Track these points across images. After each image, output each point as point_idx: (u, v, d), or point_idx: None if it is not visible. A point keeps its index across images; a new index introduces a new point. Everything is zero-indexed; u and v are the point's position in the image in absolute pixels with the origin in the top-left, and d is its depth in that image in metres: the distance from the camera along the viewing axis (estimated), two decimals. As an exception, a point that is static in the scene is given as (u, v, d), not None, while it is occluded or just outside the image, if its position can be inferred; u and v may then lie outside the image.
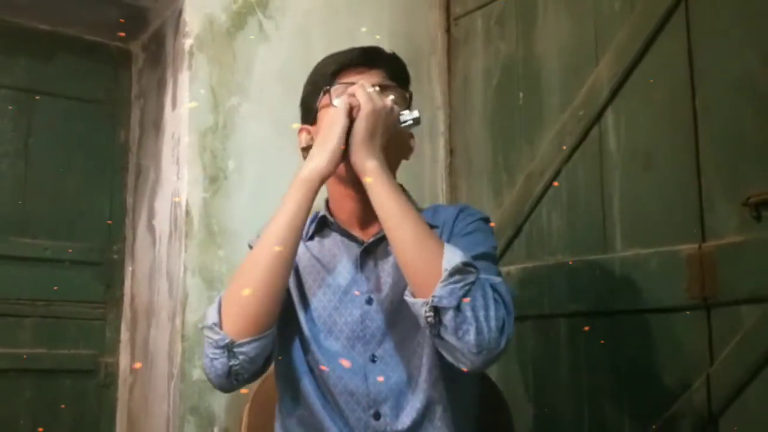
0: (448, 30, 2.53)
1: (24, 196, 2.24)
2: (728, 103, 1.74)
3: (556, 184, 2.07)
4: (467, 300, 1.17)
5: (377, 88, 1.34)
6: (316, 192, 1.30)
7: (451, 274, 1.17)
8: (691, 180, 1.79)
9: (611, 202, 1.96)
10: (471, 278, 1.18)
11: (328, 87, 1.38)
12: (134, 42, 2.46)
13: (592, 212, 2.00)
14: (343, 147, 1.29)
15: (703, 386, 1.70)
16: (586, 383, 1.96)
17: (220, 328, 1.24)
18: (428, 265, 1.20)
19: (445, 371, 1.28)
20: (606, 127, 2.00)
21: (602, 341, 1.92)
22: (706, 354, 1.71)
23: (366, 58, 1.41)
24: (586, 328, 1.91)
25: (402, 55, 1.49)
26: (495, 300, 1.20)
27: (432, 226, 1.37)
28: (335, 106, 1.34)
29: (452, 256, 1.19)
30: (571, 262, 2.01)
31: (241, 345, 1.23)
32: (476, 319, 1.16)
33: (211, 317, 1.26)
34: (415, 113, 1.38)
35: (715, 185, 1.75)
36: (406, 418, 1.31)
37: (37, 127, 2.28)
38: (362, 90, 1.31)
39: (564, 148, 2.07)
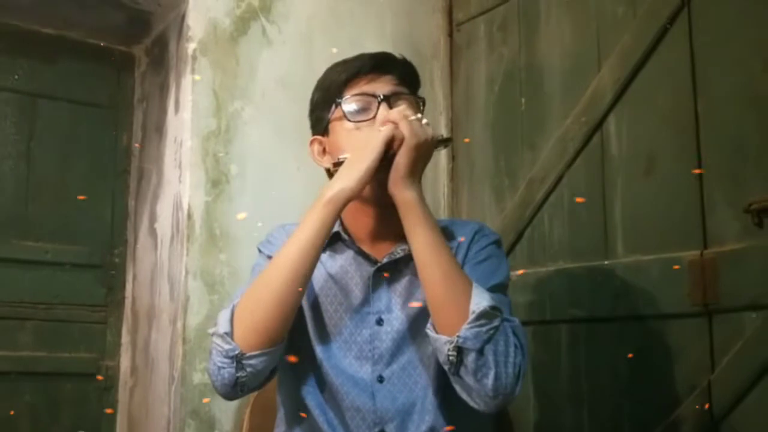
0: (450, 35, 2.53)
1: (26, 199, 2.24)
2: (730, 109, 1.74)
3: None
4: (490, 344, 1.18)
5: (420, 116, 1.31)
6: (340, 212, 1.28)
7: (478, 317, 1.18)
8: (693, 186, 1.79)
9: (613, 208, 1.96)
10: (496, 322, 1.20)
11: (339, 99, 1.36)
12: (137, 46, 2.46)
13: (593, 218, 2.00)
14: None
15: (704, 393, 1.70)
16: (587, 389, 1.96)
17: (232, 338, 1.23)
18: (456, 304, 1.20)
19: (452, 396, 1.27)
20: (608, 133, 2.00)
21: (603, 347, 1.92)
22: (708, 361, 1.71)
23: (376, 65, 1.38)
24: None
25: (405, 59, 1.48)
26: (515, 345, 1.21)
27: None
28: (349, 120, 1.33)
29: (480, 300, 1.20)
30: (572, 268, 2.01)
31: (250, 357, 1.22)
32: (496, 364, 1.18)
33: (223, 326, 1.24)
34: (448, 136, 1.36)
35: (716, 192, 1.75)
36: None
37: (39, 131, 2.29)
38: (406, 122, 1.27)
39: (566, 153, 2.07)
